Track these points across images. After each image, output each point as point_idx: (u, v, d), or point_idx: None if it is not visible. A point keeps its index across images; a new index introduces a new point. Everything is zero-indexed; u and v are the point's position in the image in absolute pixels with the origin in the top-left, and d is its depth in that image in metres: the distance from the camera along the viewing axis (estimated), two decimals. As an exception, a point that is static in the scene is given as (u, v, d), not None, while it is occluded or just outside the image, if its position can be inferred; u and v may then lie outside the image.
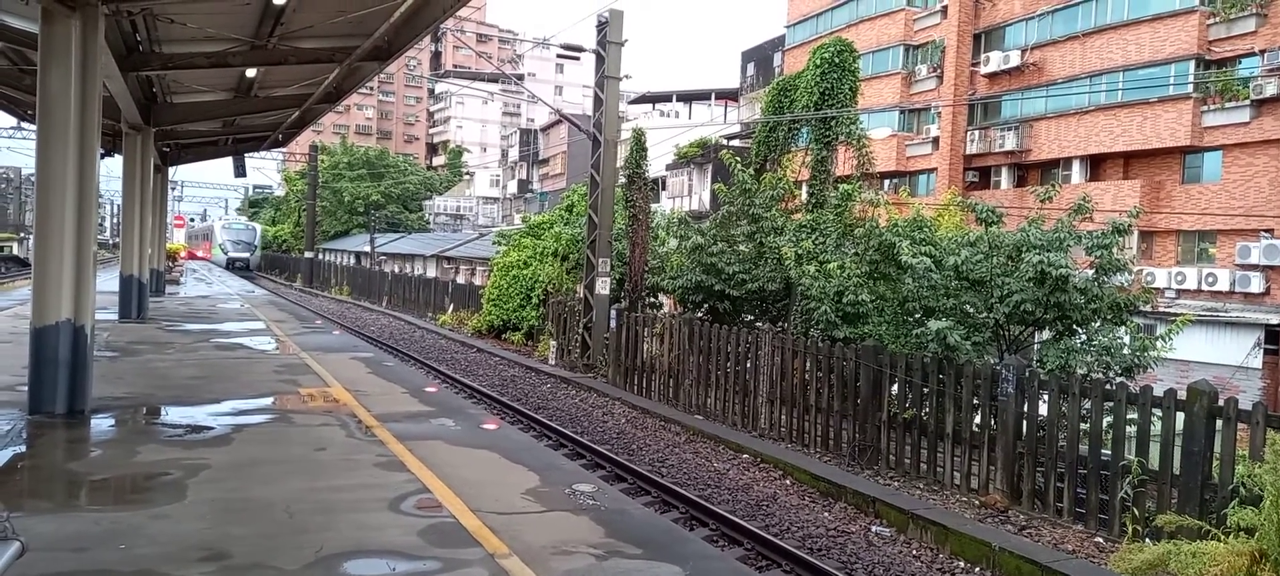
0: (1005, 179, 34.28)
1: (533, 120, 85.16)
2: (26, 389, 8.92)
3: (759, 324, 15.90)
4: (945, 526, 8.50)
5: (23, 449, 7.65)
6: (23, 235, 55.10)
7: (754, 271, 15.56)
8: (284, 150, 53.30)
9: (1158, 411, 8.25)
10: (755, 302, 16.02)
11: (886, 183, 33.49)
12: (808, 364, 12.33)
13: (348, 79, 16.21)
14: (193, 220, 79.31)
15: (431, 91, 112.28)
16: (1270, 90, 25.48)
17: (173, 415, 9.35)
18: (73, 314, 8.69)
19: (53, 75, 8.57)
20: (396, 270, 45.78)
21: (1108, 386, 9.01)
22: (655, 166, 31.17)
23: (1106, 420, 8.75)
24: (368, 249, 52.62)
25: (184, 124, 20.17)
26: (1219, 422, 7.71)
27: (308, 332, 19.49)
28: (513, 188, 78.16)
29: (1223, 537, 6.14)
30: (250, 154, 28.25)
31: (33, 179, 10.21)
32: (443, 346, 24.24)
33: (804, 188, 20.82)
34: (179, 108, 18.38)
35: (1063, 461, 8.99)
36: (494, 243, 30.08)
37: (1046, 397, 9.38)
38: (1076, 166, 31.30)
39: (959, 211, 17.29)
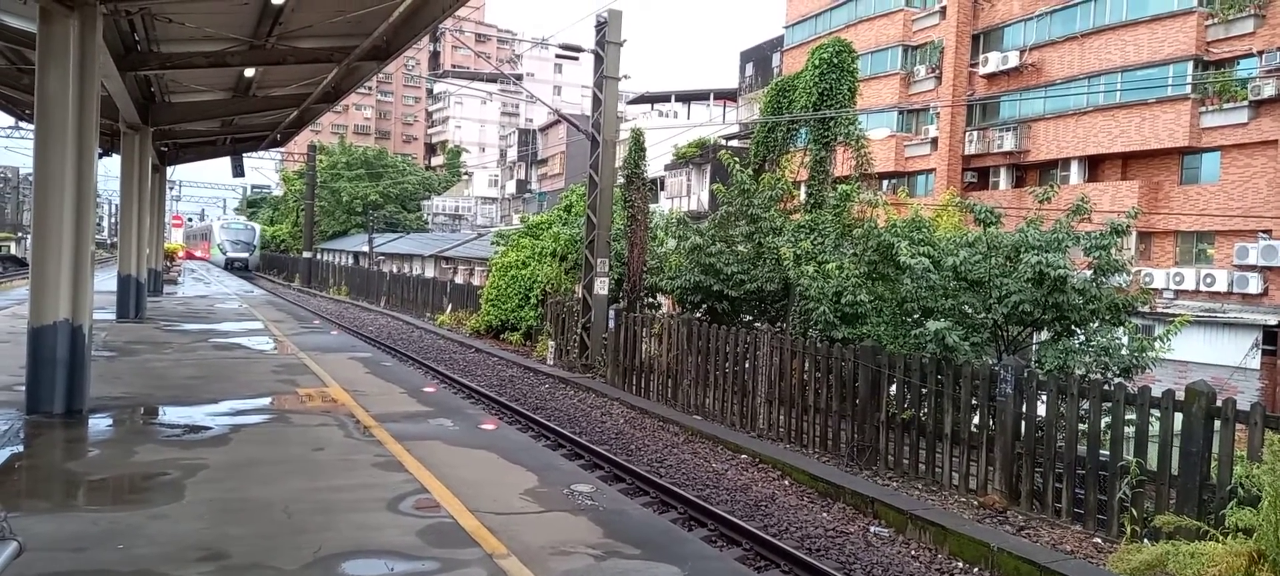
0: (1004, 179, 34.30)
1: (531, 120, 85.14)
2: (24, 388, 8.92)
3: (757, 324, 15.89)
4: (944, 526, 8.51)
5: (20, 449, 7.64)
6: (20, 235, 55.07)
7: (752, 272, 15.56)
8: (282, 150, 53.24)
9: (1156, 412, 8.26)
10: (754, 303, 16.02)
11: (885, 183, 33.49)
12: (806, 364, 12.33)
13: (346, 79, 16.20)
14: (191, 220, 79.28)
15: (430, 91, 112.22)
16: (1268, 91, 25.50)
17: (171, 415, 9.34)
18: (70, 313, 8.68)
19: (51, 75, 8.57)
20: (395, 270, 45.75)
21: (1106, 387, 9.01)
22: (654, 167, 31.16)
23: (1105, 420, 8.75)
24: (366, 249, 52.58)
25: (182, 123, 20.15)
26: (1217, 423, 7.71)
27: (306, 332, 19.48)
28: (511, 188, 78.13)
29: (1221, 538, 6.14)
30: (248, 154, 28.28)
31: (31, 178, 10.18)
32: (441, 346, 24.23)
33: (802, 188, 20.82)
34: (177, 107, 18.37)
35: (1061, 462, 8.99)
36: (492, 243, 30.07)
37: (1045, 398, 9.38)
38: (1075, 167, 31.33)
39: (957, 212, 17.28)
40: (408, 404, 10.78)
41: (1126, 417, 8.58)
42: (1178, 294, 27.11)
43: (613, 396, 15.96)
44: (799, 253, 14.48)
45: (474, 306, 28.01)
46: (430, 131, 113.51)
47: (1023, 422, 9.40)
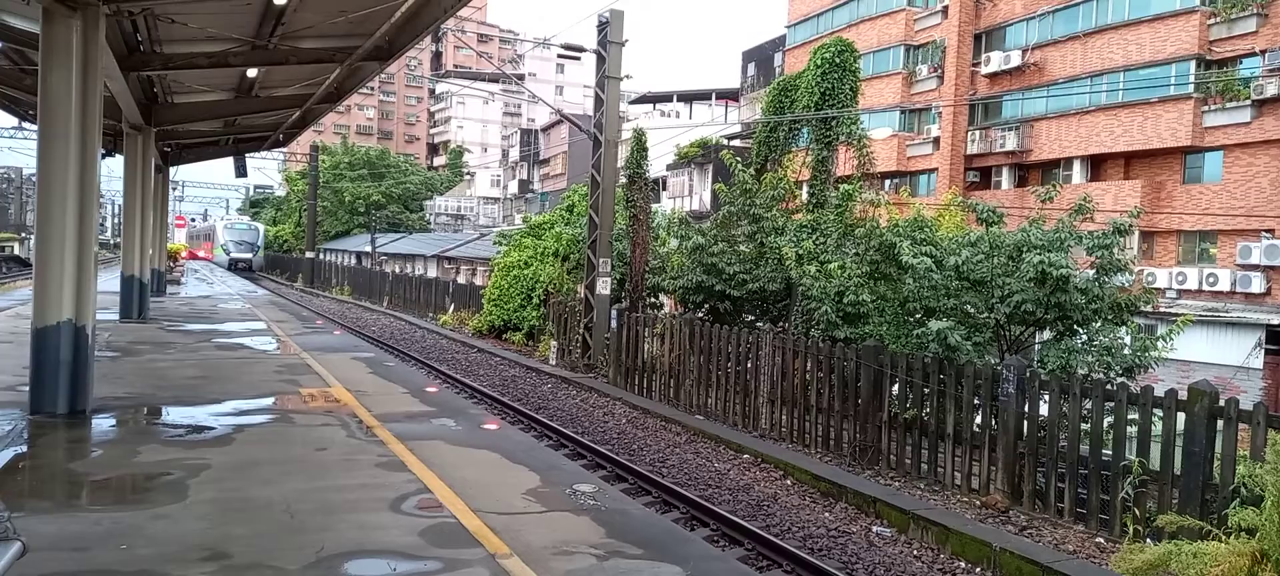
0: (1006, 179, 34.27)
1: (533, 120, 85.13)
2: (28, 389, 8.93)
3: (760, 324, 15.90)
4: (946, 526, 8.50)
5: (24, 449, 7.66)
6: (24, 235, 55.14)
7: (755, 271, 15.56)
8: (285, 150, 53.42)
9: (1159, 412, 8.25)
10: (756, 303, 16.02)
11: (887, 183, 33.50)
12: (808, 364, 12.33)
13: (349, 79, 16.21)
14: (194, 220, 79.32)
15: (432, 91, 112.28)
16: (1271, 90, 25.46)
17: (174, 415, 9.36)
18: (74, 314, 8.70)
19: (54, 75, 8.58)
20: (397, 270, 45.78)
21: (1108, 386, 9.01)
22: (656, 166, 31.16)
23: (1107, 420, 8.74)
24: (368, 249, 52.63)
25: (185, 124, 20.18)
26: (1220, 423, 7.71)
27: (308, 333, 19.50)
28: (513, 188, 78.14)
29: (1224, 538, 6.13)
30: (251, 154, 28.27)
31: (34, 179, 10.20)
32: (443, 346, 24.24)
33: (804, 188, 20.81)
34: (180, 107, 18.39)
35: (1063, 461, 8.99)
36: (495, 243, 30.10)
37: (1047, 398, 9.37)
38: (1077, 166, 31.29)
39: (960, 211, 17.25)
40: (410, 404, 10.79)
41: (1129, 417, 8.58)
42: (1180, 293, 27.08)
43: (615, 396, 15.96)
44: (801, 252, 14.48)
45: (476, 306, 28.02)
46: (433, 131, 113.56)
47: (1025, 422, 9.39)
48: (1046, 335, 11.17)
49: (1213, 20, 27.37)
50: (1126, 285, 11.36)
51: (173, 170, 29.71)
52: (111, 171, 24.44)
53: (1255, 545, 5.77)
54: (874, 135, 26.77)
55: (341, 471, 7.30)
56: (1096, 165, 31.15)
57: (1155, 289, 17.39)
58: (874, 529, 8.98)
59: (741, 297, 15.76)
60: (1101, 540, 8.39)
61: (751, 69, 48.98)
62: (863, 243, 12.87)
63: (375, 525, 5.91)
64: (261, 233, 70.08)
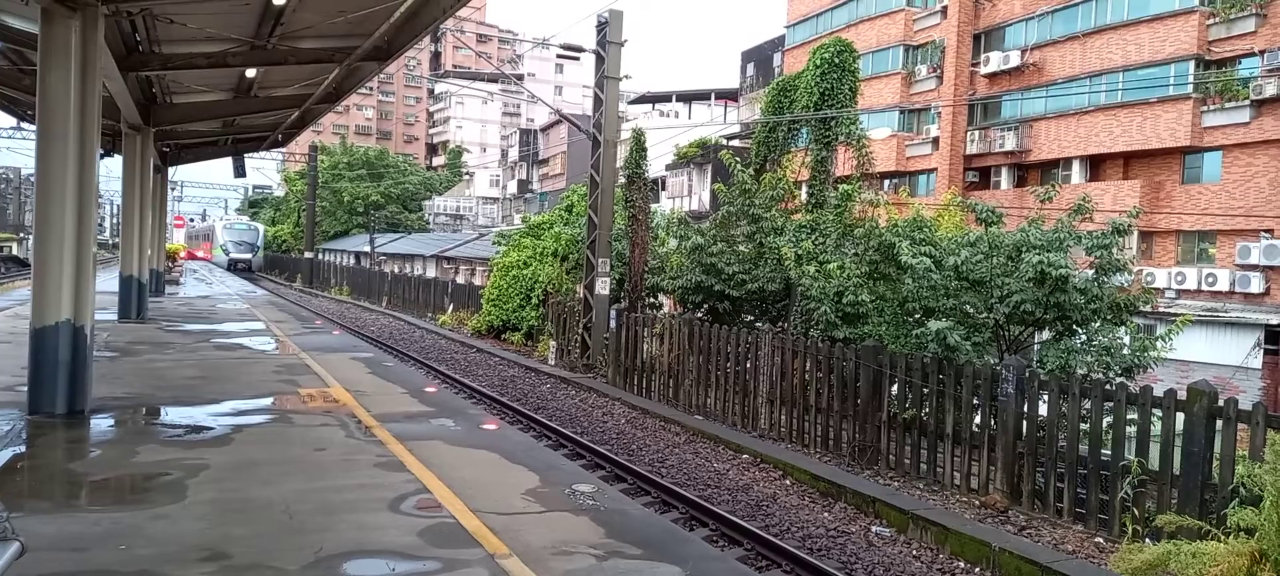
0: (1005, 179, 34.28)
1: (532, 120, 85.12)
2: (26, 389, 8.92)
3: (759, 324, 15.90)
4: (945, 526, 8.50)
5: (22, 449, 7.65)
6: (22, 235, 55.13)
7: (754, 272, 15.56)
8: (284, 150, 53.31)
9: (1158, 411, 8.25)
10: (755, 303, 16.02)
11: (886, 183, 33.50)
12: (807, 364, 12.33)
13: (347, 79, 16.21)
14: (192, 220, 79.28)
15: (431, 91, 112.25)
16: (1270, 90, 25.48)
17: (172, 415, 9.35)
18: (72, 314, 8.69)
19: (52, 76, 8.57)
20: (396, 270, 45.77)
21: (1108, 386, 9.01)
22: (655, 166, 31.19)
23: (1106, 420, 8.74)
24: (367, 249, 52.62)
25: (184, 124, 20.17)
26: (1219, 423, 7.71)
27: (307, 333, 19.50)
28: (512, 188, 78.12)
29: (1223, 538, 6.13)
30: (250, 154, 28.26)
31: (32, 179, 10.20)
32: (442, 347, 24.24)
33: (804, 188, 20.82)
34: (179, 108, 18.38)
35: (1063, 461, 8.99)
36: (494, 243, 30.08)
37: (1046, 398, 9.37)
38: (1076, 167, 31.31)
39: (959, 211, 17.26)
40: (409, 404, 10.79)
41: (1128, 417, 8.58)
42: (1179, 293, 27.09)
43: (614, 396, 15.96)
44: (800, 252, 14.48)
45: (475, 306, 28.02)
46: (431, 131, 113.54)
47: (1024, 422, 9.39)
48: (1046, 335, 11.17)
49: (1212, 20, 27.38)
50: (1126, 285, 11.36)
51: (171, 170, 29.67)
52: (110, 171, 24.42)
53: (1254, 545, 5.77)
54: (873, 135, 26.77)
55: (340, 471, 7.30)
56: (1095, 165, 31.17)
57: (1154, 289, 17.40)
58: (873, 529, 8.98)
59: (740, 298, 15.76)
60: (1100, 540, 8.40)
61: (751, 69, 48.99)
62: (862, 243, 12.87)
63: (374, 525, 5.91)
64: (261, 233, 70.01)
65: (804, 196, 20.34)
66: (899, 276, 11.56)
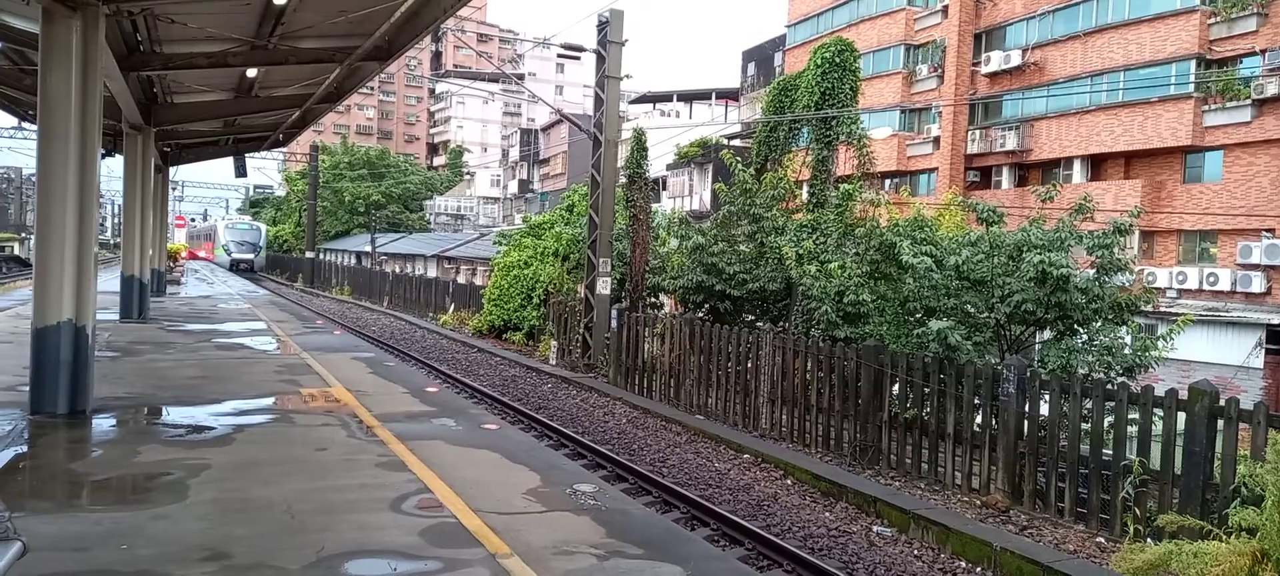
0: (1006, 179, 34.27)
1: (533, 120, 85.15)
2: (28, 389, 8.93)
3: (760, 324, 15.89)
4: (947, 526, 8.50)
5: (24, 449, 7.66)
6: (24, 235, 55.16)
7: (755, 271, 15.56)
8: (285, 150, 53.40)
9: (1159, 411, 8.24)
10: (756, 302, 16.01)
11: (887, 182, 33.50)
12: (809, 364, 12.33)
13: (348, 79, 16.21)
14: (193, 220, 79.26)
15: (432, 91, 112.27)
16: (1271, 90, 25.46)
17: (174, 415, 9.35)
18: (74, 314, 8.70)
19: (53, 75, 8.58)
20: (397, 270, 45.78)
21: (1109, 386, 9.01)
22: (656, 166, 31.16)
23: (1108, 420, 8.74)
24: (369, 249, 52.63)
25: (185, 124, 20.18)
26: (1220, 422, 7.71)
27: (309, 333, 19.50)
28: (513, 188, 78.15)
29: (1224, 537, 6.13)
30: (251, 154, 28.26)
31: (33, 179, 10.21)
32: (443, 346, 24.24)
33: (804, 187, 20.81)
34: (180, 108, 18.39)
35: (1064, 461, 8.98)
36: (495, 242, 30.09)
37: (1048, 397, 9.37)
38: (1078, 166, 31.29)
39: (960, 211, 17.25)
40: (410, 404, 10.79)
41: (1129, 417, 8.57)
42: (1181, 293, 27.08)
43: (615, 396, 15.96)
44: (801, 252, 14.48)
45: (476, 306, 28.03)
46: (432, 131, 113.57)
47: (1025, 422, 9.39)
48: (1047, 335, 11.17)
49: (1213, 20, 27.37)
50: (1127, 285, 11.36)
51: (172, 170, 29.70)
52: (111, 171, 24.42)
53: (1256, 545, 5.77)
54: (874, 135, 26.78)
55: (342, 471, 7.30)
56: (1097, 165, 31.15)
57: (1155, 288, 17.41)
58: (874, 528, 8.98)
59: (742, 297, 15.76)
60: (1102, 540, 8.39)
61: (751, 69, 48.99)
62: (863, 242, 12.87)
63: (375, 525, 5.91)
64: (263, 233, 69.95)
65: (805, 196, 20.33)
66: (900, 276, 11.56)
